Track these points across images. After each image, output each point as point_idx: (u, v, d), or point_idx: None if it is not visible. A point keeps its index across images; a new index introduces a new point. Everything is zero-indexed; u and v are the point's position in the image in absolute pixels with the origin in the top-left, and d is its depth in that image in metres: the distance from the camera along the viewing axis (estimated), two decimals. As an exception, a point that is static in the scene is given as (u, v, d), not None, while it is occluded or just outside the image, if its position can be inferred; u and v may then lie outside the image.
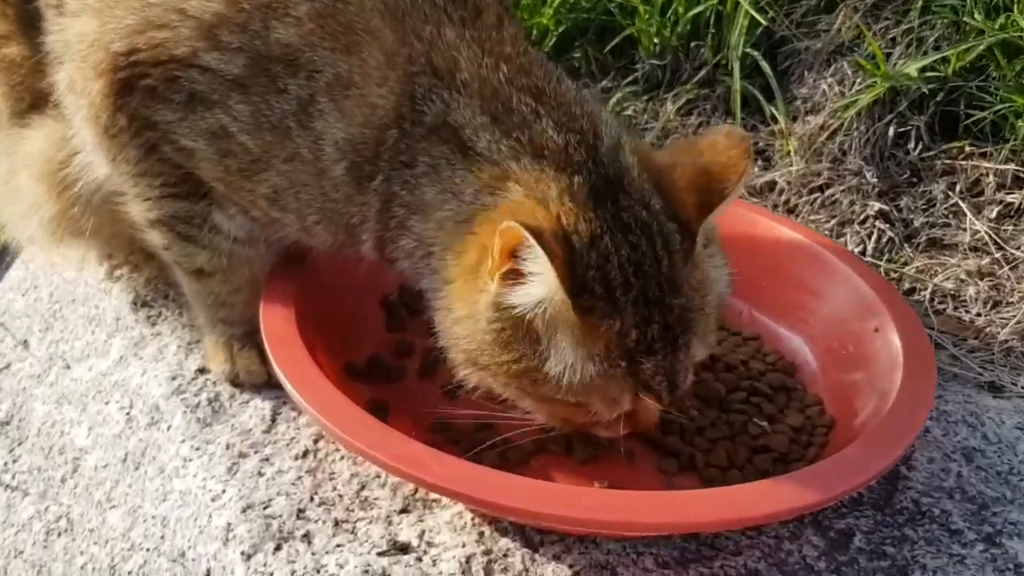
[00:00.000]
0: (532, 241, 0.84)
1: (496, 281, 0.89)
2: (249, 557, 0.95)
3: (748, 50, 1.61)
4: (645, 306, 0.91)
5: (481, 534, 0.96)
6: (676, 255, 0.94)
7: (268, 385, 1.14)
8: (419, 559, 0.93)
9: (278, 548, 0.95)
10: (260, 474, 1.04)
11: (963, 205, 1.43)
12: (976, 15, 1.44)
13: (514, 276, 0.88)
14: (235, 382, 1.16)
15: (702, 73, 1.69)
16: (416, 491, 1.01)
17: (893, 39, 1.55)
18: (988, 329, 1.28)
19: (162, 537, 1.07)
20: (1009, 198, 1.42)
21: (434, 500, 1.00)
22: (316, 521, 0.98)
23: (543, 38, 1.76)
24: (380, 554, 0.93)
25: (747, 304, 1.28)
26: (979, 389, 1.19)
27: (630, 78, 1.73)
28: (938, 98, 1.50)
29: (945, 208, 1.45)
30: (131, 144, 1.06)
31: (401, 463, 0.88)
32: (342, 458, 1.06)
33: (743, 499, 0.89)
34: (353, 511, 0.99)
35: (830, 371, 1.16)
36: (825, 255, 1.24)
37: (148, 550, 1.07)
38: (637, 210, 0.93)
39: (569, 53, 1.79)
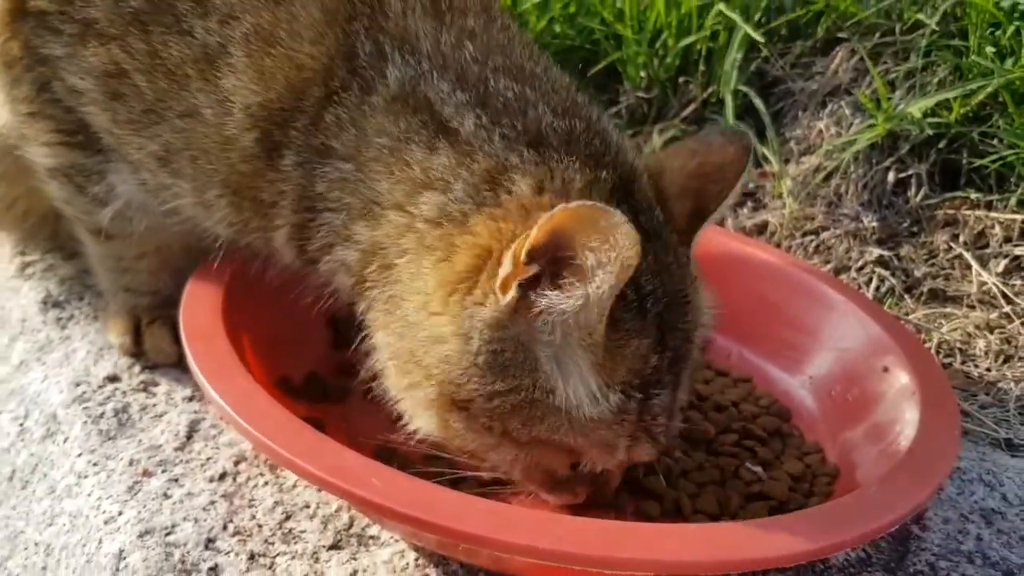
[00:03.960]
0: (619, 220, 0.67)
1: (513, 290, 0.73)
2: (141, 592, 0.80)
3: (741, 87, 1.52)
4: (660, 327, 0.77)
5: (425, 577, 0.82)
6: (687, 270, 0.81)
7: (178, 366, 1.04)
8: (348, 603, 0.80)
9: (178, 582, 0.81)
10: (166, 496, 0.91)
11: (968, 256, 1.35)
12: (983, 55, 1.36)
13: (539, 282, 0.72)
14: (135, 355, 1.07)
15: (690, 109, 1.60)
16: (350, 525, 0.89)
17: (892, 82, 1.48)
18: (1000, 384, 1.18)
19: (44, 568, 0.93)
20: (1017, 251, 1.35)
21: (371, 536, 0.87)
22: (227, 553, 0.84)
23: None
24: (301, 595, 0.80)
25: (737, 344, 1.19)
26: (994, 447, 1.10)
27: (612, 111, 1.63)
28: (940, 145, 1.44)
29: (948, 259, 1.39)
30: (25, 79, 0.96)
31: (331, 474, 0.72)
32: (266, 483, 0.92)
33: (732, 539, 0.76)
34: (273, 544, 0.86)
35: (831, 417, 1.07)
36: (822, 289, 1.15)
37: (24, 583, 0.93)
38: (650, 216, 0.80)
39: (549, 84, 1.69)
